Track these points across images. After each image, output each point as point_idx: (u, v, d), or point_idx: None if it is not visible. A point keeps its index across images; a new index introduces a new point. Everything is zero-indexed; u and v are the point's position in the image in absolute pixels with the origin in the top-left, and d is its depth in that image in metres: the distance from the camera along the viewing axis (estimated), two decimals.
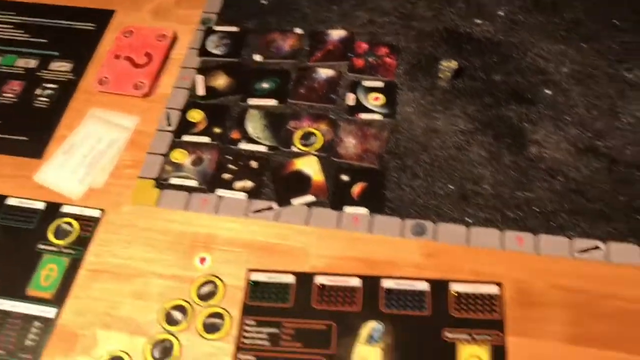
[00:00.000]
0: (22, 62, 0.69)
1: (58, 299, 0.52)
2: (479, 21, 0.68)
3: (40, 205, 0.58)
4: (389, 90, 0.63)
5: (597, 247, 0.52)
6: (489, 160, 0.58)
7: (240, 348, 0.49)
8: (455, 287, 0.51)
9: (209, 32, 0.69)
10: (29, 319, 0.52)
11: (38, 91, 0.66)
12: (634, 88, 0.61)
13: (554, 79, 0.62)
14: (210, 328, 0.51)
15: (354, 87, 0.63)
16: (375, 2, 0.70)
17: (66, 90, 0.66)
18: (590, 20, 0.67)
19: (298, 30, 0.68)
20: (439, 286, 0.51)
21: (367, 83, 0.64)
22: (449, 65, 0.62)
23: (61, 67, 0.68)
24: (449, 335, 0.49)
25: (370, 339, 0.49)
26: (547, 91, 0.62)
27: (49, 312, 0.52)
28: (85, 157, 0.61)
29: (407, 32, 0.67)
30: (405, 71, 0.64)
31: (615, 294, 0.50)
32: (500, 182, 0.56)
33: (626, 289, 0.50)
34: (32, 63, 0.68)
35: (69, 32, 0.71)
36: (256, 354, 0.49)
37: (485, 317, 0.50)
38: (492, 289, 0.51)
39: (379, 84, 0.63)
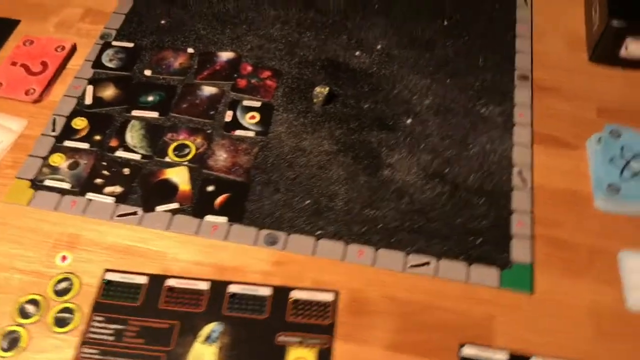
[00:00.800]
0: None
1: None
2: (358, 53, 0.73)
3: None
4: (265, 111, 0.68)
5: (427, 263, 0.57)
6: (345, 179, 0.63)
7: (85, 342, 0.52)
8: (295, 294, 0.55)
9: (106, 46, 0.73)
10: None
11: None
12: (486, 122, 0.67)
13: (416, 110, 0.68)
14: (60, 322, 0.53)
15: (234, 105, 0.68)
16: (266, 30, 0.75)
17: None
18: (458, 59, 0.73)
19: (190, 50, 0.73)
20: (280, 293, 0.55)
21: (247, 102, 0.68)
22: (321, 91, 0.67)
23: None
24: (281, 338, 0.53)
25: (208, 339, 0.53)
26: (407, 120, 0.67)
27: None
28: None
29: (291, 58, 0.72)
30: (283, 94, 0.69)
31: (439, 306, 0.55)
32: (352, 200, 0.61)
33: (449, 302, 0.55)
34: None
35: None
36: (100, 348, 0.52)
37: (318, 323, 0.54)
38: (328, 297, 0.55)
39: (257, 104, 0.68)
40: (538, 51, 0.74)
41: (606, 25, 0.69)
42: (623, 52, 0.70)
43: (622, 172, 0.61)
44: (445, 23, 0.76)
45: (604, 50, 0.71)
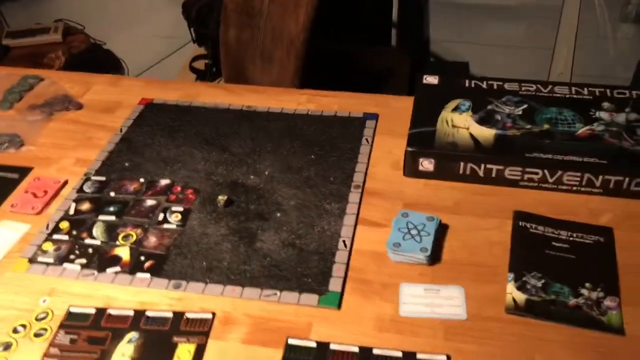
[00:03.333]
0: None
1: None
2: (252, 177, 1.11)
3: None
4: (185, 212, 1.04)
5: (275, 294, 0.89)
6: (231, 249, 0.97)
7: (51, 344, 0.83)
8: (188, 315, 0.86)
9: (87, 179, 1.12)
10: None
11: None
12: (328, 213, 1.02)
13: (283, 208, 1.04)
14: (38, 335, 0.84)
15: (165, 210, 1.04)
16: (193, 165, 1.14)
17: None
18: (317, 178, 1.10)
19: (141, 180, 1.11)
20: (178, 314, 0.87)
21: (174, 208, 1.05)
22: (222, 198, 1.04)
23: None
24: (175, 339, 0.83)
25: (130, 341, 0.83)
26: (277, 214, 1.03)
27: None
28: None
29: (207, 182, 1.10)
30: (199, 202, 1.06)
31: (278, 319, 0.86)
32: (233, 261, 0.94)
33: (284, 316, 0.86)
34: None
35: (2, 179, 1.14)
36: (60, 347, 0.83)
37: (199, 330, 0.84)
38: (207, 316, 0.86)
39: (180, 208, 1.04)
40: (371, 172, 1.11)
41: (406, 151, 1.07)
42: (420, 167, 1.08)
43: (404, 236, 0.95)
44: (312, 156, 1.15)
45: (409, 167, 1.09)
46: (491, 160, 1.04)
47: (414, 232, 0.95)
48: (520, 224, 0.98)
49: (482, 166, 1.05)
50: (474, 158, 1.05)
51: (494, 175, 1.05)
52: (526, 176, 1.04)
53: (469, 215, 1.01)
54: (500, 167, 1.04)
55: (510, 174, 1.04)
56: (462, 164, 1.06)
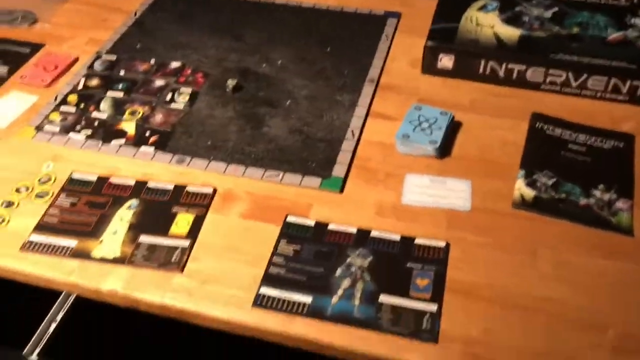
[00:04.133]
0: None
1: None
2: (264, 65, 1.08)
3: None
4: (193, 94, 1.02)
5: (277, 175, 0.87)
6: (237, 132, 0.95)
7: (51, 205, 0.84)
8: (189, 188, 0.86)
9: (97, 58, 1.10)
10: None
11: None
12: (339, 105, 0.99)
13: (294, 97, 1.01)
14: (39, 196, 0.85)
15: (174, 91, 1.02)
16: (205, 51, 1.11)
17: (1, 80, 1.06)
18: (331, 71, 1.06)
19: (152, 61, 1.09)
20: (179, 187, 0.86)
21: (182, 89, 1.03)
22: (232, 82, 1.02)
23: (2, 68, 1.08)
24: (175, 208, 0.83)
25: (129, 207, 0.83)
26: (287, 102, 1.00)
27: None
28: (0, 113, 0.99)
29: (217, 67, 1.08)
30: (208, 86, 1.04)
31: (279, 198, 0.85)
32: (238, 143, 0.93)
33: (286, 195, 0.85)
34: None
35: (13, 53, 1.12)
36: (60, 208, 0.83)
37: (200, 202, 0.84)
38: (208, 190, 0.85)
39: (189, 90, 1.02)
40: (388, 68, 1.07)
41: (425, 46, 1.03)
42: (439, 64, 1.03)
43: (414, 128, 0.92)
44: (328, 50, 1.11)
45: (428, 64, 1.04)
46: (514, 59, 0.99)
47: (425, 125, 0.92)
48: (537, 125, 0.94)
49: (504, 66, 1.00)
50: (496, 56, 1.00)
51: (514, 76, 1.01)
52: (549, 79, 0.99)
53: (485, 115, 0.97)
54: (522, 68, 1.00)
55: (532, 76, 1.00)
56: (482, 62, 1.01)
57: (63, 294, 0.85)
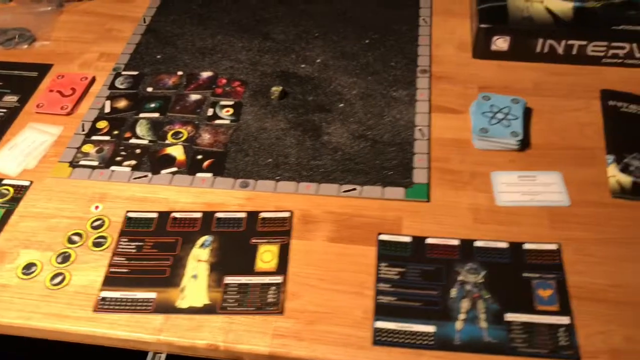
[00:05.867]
0: None
1: None
2: (303, 66, 0.99)
3: None
4: (236, 106, 0.93)
5: (354, 189, 0.80)
6: (296, 144, 0.87)
7: (115, 254, 0.74)
8: (262, 215, 0.78)
9: (117, 75, 0.99)
10: None
11: None
12: (397, 101, 0.92)
13: (346, 98, 0.93)
14: (97, 245, 0.76)
15: (213, 105, 0.93)
16: (235, 55, 1.02)
17: (13, 112, 0.94)
18: (376, 64, 0.99)
19: (180, 73, 0.99)
20: (252, 214, 0.78)
21: (223, 102, 0.93)
22: (276, 89, 0.93)
23: (11, 99, 0.96)
24: (254, 240, 0.75)
25: (203, 245, 0.75)
26: (340, 105, 0.92)
27: None
28: (23, 151, 0.88)
29: (254, 72, 0.99)
30: (249, 95, 0.95)
31: (363, 215, 0.78)
32: (301, 157, 0.85)
33: (370, 212, 0.78)
34: None
35: (19, 78, 1.00)
36: (126, 256, 0.74)
37: (279, 230, 0.76)
38: (285, 214, 0.78)
39: (230, 102, 0.93)
40: (435, 54, 1.00)
41: (478, 28, 0.96)
42: (493, 47, 0.97)
43: (490, 120, 0.85)
44: (367, 41, 1.03)
45: (480, 48, 0.98)
46: (574, 35, 0.94)
47: (499, 115, 0.86)
48: (609, 103, 0.89)
49: (563, 43, 0.94)
50: (555, 33, 0.94)
51: (574, 52, 0.95)
52: (611, 52, 0.94)
53: (552, 97, 0.92)
54: (583, 43, 0.94)
55: (593, 50, 0.94)
56: (540, 41, 0.95)
57: (150, 355, 0.77)
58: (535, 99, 0.91)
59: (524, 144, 0.84)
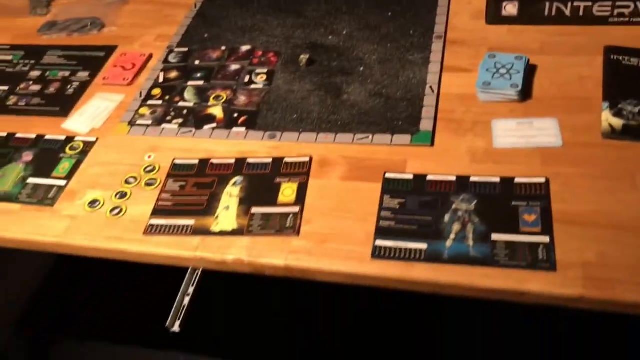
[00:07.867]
0: (60, 74, 1.15)
1: (68, 177, 0.94)
2: (330, 37, 1.11)
3: (63, 137, 1.01)
4: (270, 73, 1.06)
5: (367, 137, 0.91)
6: (319, 103, 0.99)
7: (162, 191, 0.89)
8: (286, 160, 0.90)
9: (170, 52, 1.15)
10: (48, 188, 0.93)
11: (68, 87, 1.11)
12: (412, 64, 1.02)
13: (366, 62, 1.04)
14: (149, 184, 0.90)
15: (250, 72, 1.06)
16: (271, 31, 1.15)
17: (84, 85, 1.11)
18: (396, 33, 1.09)
19: (223, 48, 1.13)
20: (277, 159, 0.90)
21: (258, 70, 1.07)
22: (304, 57, 1.05)
23: (83, 74, 1.14)
24: (278, 179, 0.87)
25: (235, 183, 0.88)
26: (360, 68, 1.03)
27: (62, 183, 0.93)
28: (92, 114, 1.04)
29: (287, 45, 1.11)
30: (282, 64, 1.07)
31: (373, 158, 0.88)
32: (322, 112, 0.97)
33: (380, 155, 0.88)
34: (66, 74, 1.15)
35: (90, 58, 1.18)
36: (172, 193, 0.88)
37: (299, 171, 0.88)
38: (305, 159, 0.90)
39: (264, 70, 1.06)
40: (452, 23, 1.09)
41: None
42: (503, 12, 1.05)
43: (493, 75, 0.94)
44: (390, 14, 1.14)
45: (492, 13, 1.06)
46: None
47: (502, 71, 0.94)
48: (612, 57, 0.95)
49: (569, 5, 1.01)
50: None
51: (581, 13, 1.02)
52: (616, 11, 1.00)
53: (557, 55, 0.99)
54: (589, 4, 1.01)
55: (599, 10, 1.01)
56: (547, 4, 1.02)
57: (190, 270, 0.90)
58: (541, 57, 0.98)
59: (525, 95, 0.92)
